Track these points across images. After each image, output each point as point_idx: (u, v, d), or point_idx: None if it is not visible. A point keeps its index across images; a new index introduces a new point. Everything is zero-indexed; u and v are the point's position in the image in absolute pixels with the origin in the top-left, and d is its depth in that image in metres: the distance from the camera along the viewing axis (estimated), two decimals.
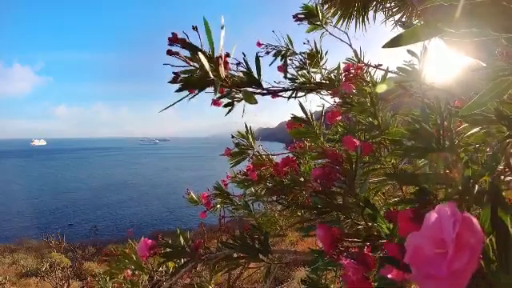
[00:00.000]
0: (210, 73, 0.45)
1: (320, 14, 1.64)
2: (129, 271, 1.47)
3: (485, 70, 0.53)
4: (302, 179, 0.99)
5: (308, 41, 1.58)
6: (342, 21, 3.64)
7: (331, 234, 0.44)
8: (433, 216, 0.31)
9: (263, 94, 0.54)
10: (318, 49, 1.55)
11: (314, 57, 1.53)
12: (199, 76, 0.46)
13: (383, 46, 0.42)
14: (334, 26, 1.73)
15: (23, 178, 41.21)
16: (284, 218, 1.56)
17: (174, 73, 0.48)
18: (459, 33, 0.41)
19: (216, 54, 0.46)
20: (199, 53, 0.45)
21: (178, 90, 0.48)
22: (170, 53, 0.46)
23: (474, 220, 0.28)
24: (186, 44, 0.45)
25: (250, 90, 0.51)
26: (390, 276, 0.37)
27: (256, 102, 0.49)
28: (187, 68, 0.48)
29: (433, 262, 0.29)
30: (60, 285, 8.14)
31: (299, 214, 1.24)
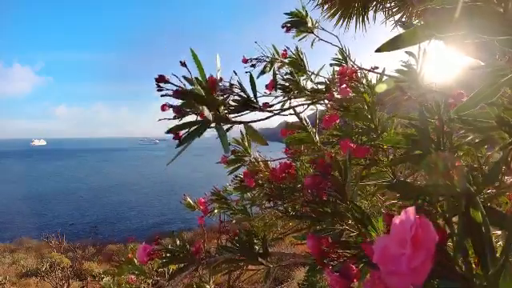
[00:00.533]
0: (209, 117, 0.46)
1: (309, 19, 1.55)
2: (132, 276, 1.46)
3: (484, 69, 0.52)
4: (299, 186, 0.98)
5: (288, 47, 1.48)
6: (341, 21, 3.63)
7: (320, 245, 0.45)
8: (397, 220, 0.34)
9: (264, 119, 0.55)
10: (301, 56, 1.46)
11: (298, 64, 1.44)
12: (194, 130, 0.48)
13: (378, 50, 0.40)
14: (323, 29, 1.62)
15: (23, 178, 41.24)
16: (282, 220, 1.54)
17: (176, 139, 0.49)
18: (459, 34, 0.40)
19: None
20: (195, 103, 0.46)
21: (177, 145, 0.51)
22: (173, 111, 0.48)
23: (430, 224, 0.31)
24: (181, 95, 0.47)
25: (249, 110, 0.52)
26: None
27: (266, 144, 0.52)
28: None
29: (396, 261, 0.32)
30: (60, 285, 8.15)
31: (296, 220, 1.22)
